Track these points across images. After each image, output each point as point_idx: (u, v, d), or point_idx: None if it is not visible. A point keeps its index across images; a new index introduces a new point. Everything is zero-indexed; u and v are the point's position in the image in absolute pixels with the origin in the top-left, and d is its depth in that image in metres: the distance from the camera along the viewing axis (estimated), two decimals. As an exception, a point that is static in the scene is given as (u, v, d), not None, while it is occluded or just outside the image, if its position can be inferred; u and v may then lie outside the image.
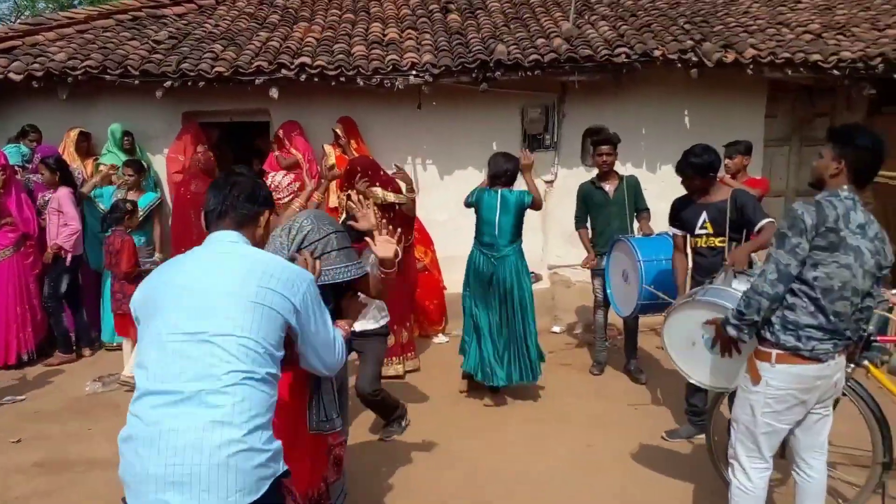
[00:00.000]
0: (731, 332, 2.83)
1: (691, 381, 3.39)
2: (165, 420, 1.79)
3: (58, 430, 4.73)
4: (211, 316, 1.86)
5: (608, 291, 5.13)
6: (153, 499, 1.78)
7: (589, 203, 5.37)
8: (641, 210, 5.27)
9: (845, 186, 2.67)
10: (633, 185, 5.29)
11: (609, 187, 5.27)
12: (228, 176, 2.19)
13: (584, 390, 5.27)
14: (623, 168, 5.43)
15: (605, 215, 5.29)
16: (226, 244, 2.06)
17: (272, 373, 1.91)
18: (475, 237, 4.98)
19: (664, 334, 3.43)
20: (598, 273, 5.33)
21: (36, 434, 4.67)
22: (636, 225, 5.32)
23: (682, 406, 4.44)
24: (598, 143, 5.23)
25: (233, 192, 2.12)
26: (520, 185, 4.88)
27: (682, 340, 3.31)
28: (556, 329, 6.67)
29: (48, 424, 4.83)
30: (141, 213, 6.05)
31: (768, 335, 2.75)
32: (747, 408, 2.83)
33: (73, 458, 4.34)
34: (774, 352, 2.73)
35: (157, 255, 6.41)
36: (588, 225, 5.45)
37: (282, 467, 1.91)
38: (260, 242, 2.24)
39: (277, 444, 1.89)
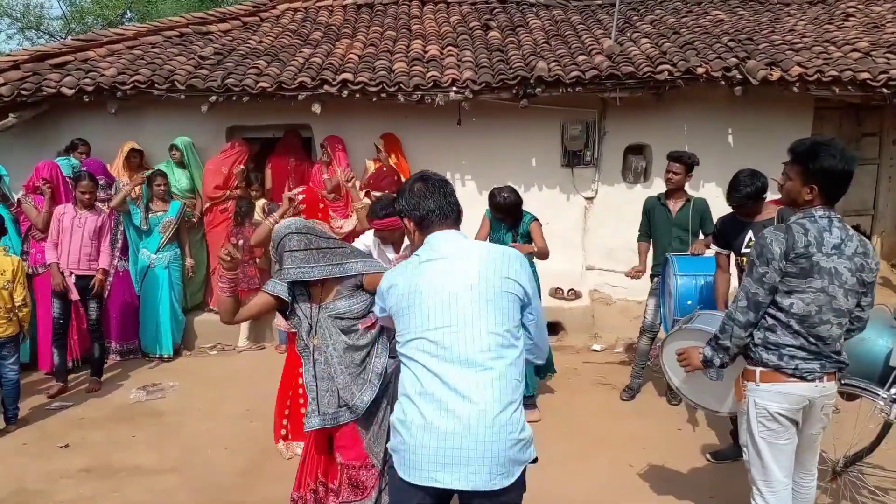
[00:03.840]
0: (707, 352, 2.85)
1: (699, 408, 3.44)
2: None
3: (103, 437, 4.82)
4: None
5: (662, 311, 5.04)
6: None
7: (651, 219, 5.27)
8: (706, 234, 5.05)
9: (819, 206, 2.63)
10: (701, 208, 5.10)
11: (673, 205, 5.15)
12: (432, 179, 2.34)
13: (623, 410, 5.20)
14: (664, 185, 5.38)
15: (665, 234, 5.16)
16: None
17: None
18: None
19: (663, 363, 3.45)
20: (653, 293, 5.24)
21: (82, 440, 4.77)
22: None
23: (727, 427, 4.36)
24: (670, 159, 5.16)
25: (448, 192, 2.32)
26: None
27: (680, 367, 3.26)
28: (597, 347, 6.60)
29: (94, 431, 4.93)
30: (175, 222, 6.28)
31: (752, 355, 2.76)
32: (745, 432, 2.85)
33: (117, 464, 4.42)
34: (758, 370, 2.74)
35: (188, 261, 6.55)
36: (650, 241, 5.33)
37: None
38: None
39: None
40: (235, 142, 6.86)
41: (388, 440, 2.36)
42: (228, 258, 2.82)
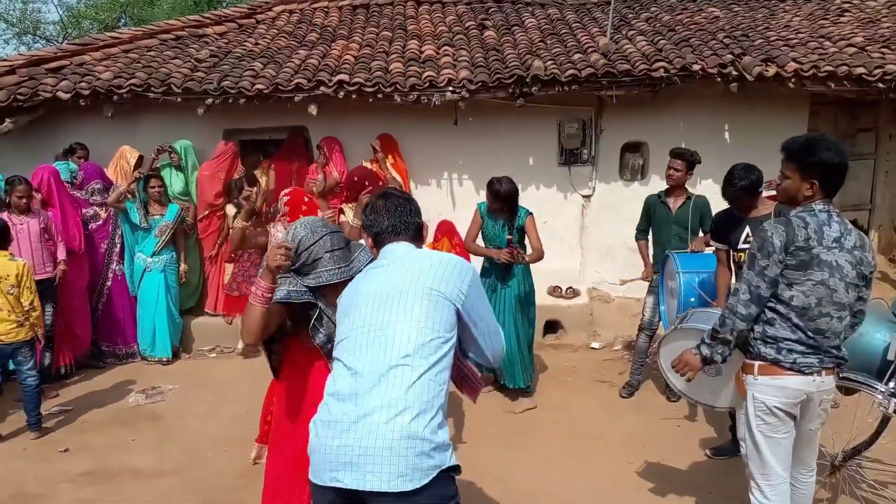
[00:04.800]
0: (704, 350, 2.86)
1: (697, 404, 3.45)
2: None
3: (102, 441, 4.83)
4: None
5: (661, 308, 5.04)
6: None
7: (651, 216, 5.28)
8: (705, 232, 5.02)
9: (818, 201, 2.65)
10: (701, 206, 5.10)
11: (673, 203, 5.15)
12: (393, 196, 2.42)
13: (621, 407, 5.20)
14: (662, 182, 5.38)
15: (665, 231, 5.16)
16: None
17: None
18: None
19: (660, 363, 3.46)
20: (652, 290, 5.24)
21: (82, 444, 4.77)
22: None
23: (727, 423, 4.36)
24: (672, 155, 5.15)
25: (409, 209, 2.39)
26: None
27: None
28: (595, 345, 6.60)
29: (93, 435, 4.93)
30: (172, 226, 6.30)
31: (751, 349, 2.78)
32: (743, 426, 2.86)
33: (117, 468, 4.42)
34: (757, 364, 2.76)
35: (182, 266, 6.54)
36: (650, 239, 5.36)
37: None
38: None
39: None
40: (228, 143, 6.81)
41: None
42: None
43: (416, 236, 2.40)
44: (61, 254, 5.68)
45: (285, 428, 2.89)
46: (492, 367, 2.50)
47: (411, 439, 1.97)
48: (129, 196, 6.30)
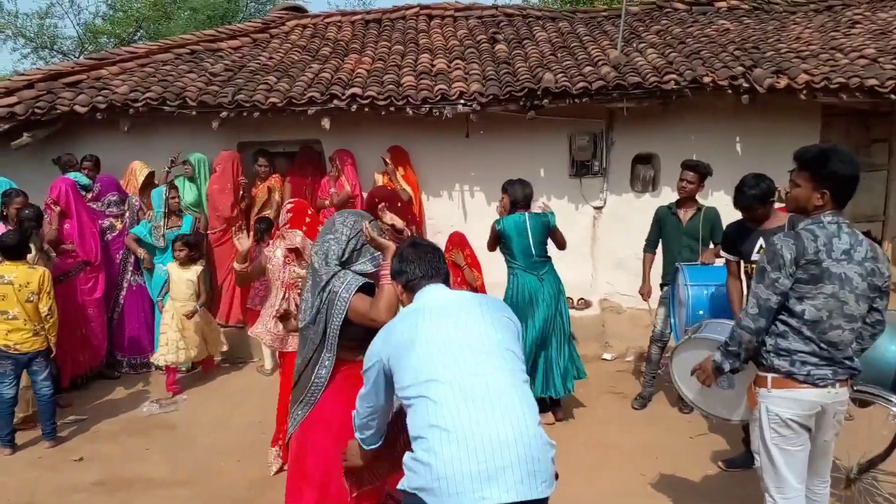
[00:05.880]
0: (718, 358, 2.87)
1: (710, 417, 3.46)
2: None
3: (116, 450, 4.86)
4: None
5: (672, 321, 5.03)
6: None
7: (662, 228, 5.29)
8: (716, 244, 5.01)
9: (829, 211, 2.64)
10: (711, 218, 5.10)
11: (683, 214, 5.16)
12: (421, 245, 2.56)
13: (634, 418, 5.19)
14: (674, 193, 5.38)
15: (675, 243, 5.17)
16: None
17: None
18: (512, 267, 5.06)
19: (673, 374, 3.46)
20: (663, 302, 5.24)
21: (95, 453, 4.81)
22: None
23: (739, 435, 4.34)
24: (685, 167, 5.16)
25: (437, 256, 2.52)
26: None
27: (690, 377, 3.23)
28: (607, 356, 6.59)
29: (107, 444, 4.97)
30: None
31: (764, 361, 2.77)
32: (758, 439, 2.84)
33: (131, 477, 4.45)
34: (770, 376, 2.75)
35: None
36: (658, 251, 5.36)
37: None
38: None
39: None
40: (224, 152, 6.80)
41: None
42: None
43: (446, 280, 2.51)
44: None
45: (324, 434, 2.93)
46: None
47: (544, 443, 2.12)
48: (144, 213, 6.36)
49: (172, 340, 5.81)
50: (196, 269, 5.94)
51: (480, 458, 1.98)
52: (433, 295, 2.39)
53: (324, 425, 2.91)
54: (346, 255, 2.91)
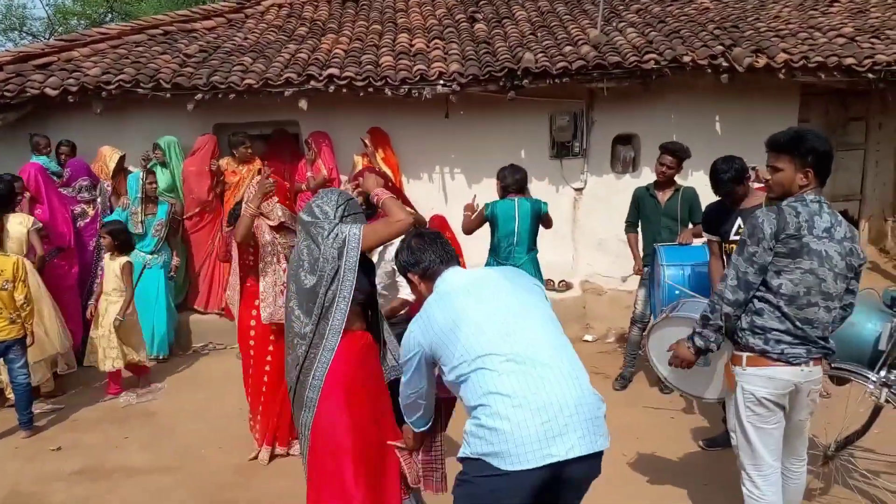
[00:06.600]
0: (698, 341, 2.87)
1: (686, 395, 3.54)
2: None
3: (95, 439, 4.80)
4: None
5: (652, 301, 5.05)
6: None
7: (640, 209, 5.29)
8: (694, 224, 5.03)
9: (810, 191, 2.68)
10: (689, 198, 5.11)
11: (662, 195, 5.16)
12: (426, 234, 2.62)
13: (615, 399, 5.20)
14: (654, 174, 5.38)
15: (654, 224, 5.18)
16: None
17: None
18: (491, 252, 5.10)
19: (650, 353, 3.48)
20: (643, 283, 5.26)
21: (74, 442, 4.75)
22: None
23: (720, 414, 4.38)
24: (663, 150, 5.14)
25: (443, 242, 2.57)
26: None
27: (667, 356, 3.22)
28: (588, 338, 6.62)
29: (86, 433, 4.91)
30: (165, 224, 6.28)
31: (739, 339, 2.80)
32: (733, 417, 2.87)
33: (110, 466, 4.40)
34: (745, 355, 2.78)
35: (174, 260, 6.48)
36: (639, 231, 5.36)
37: None
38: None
39: None
40: (206, 136, 6.72)
41: None
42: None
43: (458, 262, 2.57)
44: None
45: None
46: None
47: (596, 398, 2.24)
48: (118, 201, 6.27)
49: (101, 345, 5.43)
50: (120, 261, 5.42)
51: (544, 419, 2.07)
52: (456, 276, 2.46)
53: (340, 395, 2.80)
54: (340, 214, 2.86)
